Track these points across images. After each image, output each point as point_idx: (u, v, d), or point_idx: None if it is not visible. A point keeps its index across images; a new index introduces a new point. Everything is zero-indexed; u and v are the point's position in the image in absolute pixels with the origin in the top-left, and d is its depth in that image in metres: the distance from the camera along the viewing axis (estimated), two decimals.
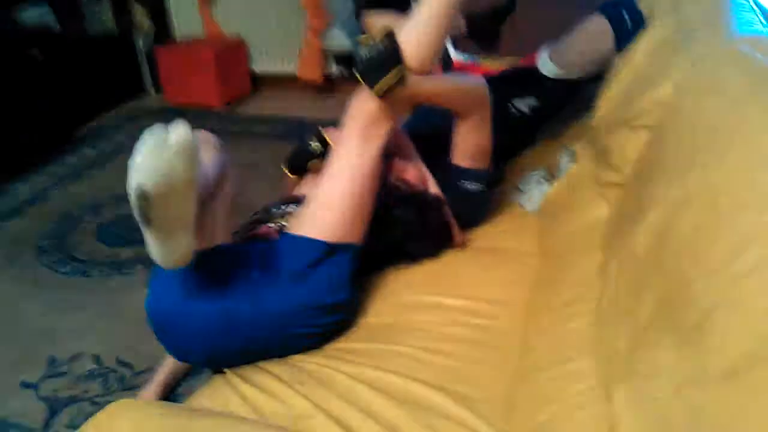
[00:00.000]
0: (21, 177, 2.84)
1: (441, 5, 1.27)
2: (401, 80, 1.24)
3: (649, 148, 1.15)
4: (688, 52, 1.21)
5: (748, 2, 1.49)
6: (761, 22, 1.35)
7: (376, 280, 1.44)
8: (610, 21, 1.68)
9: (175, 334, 1.19)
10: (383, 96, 1.25)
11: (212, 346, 1.19)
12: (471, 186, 1.54)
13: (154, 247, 1.01)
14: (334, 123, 1.45)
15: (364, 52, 1.24)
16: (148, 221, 0.96)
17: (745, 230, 0.62)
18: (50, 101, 3.12)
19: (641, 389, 0.73)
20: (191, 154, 0.98)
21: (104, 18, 3.78)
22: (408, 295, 1.38)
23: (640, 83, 1.36)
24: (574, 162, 1.62)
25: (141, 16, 3.92)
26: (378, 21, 2.01)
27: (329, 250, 1.22)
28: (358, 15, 2.05)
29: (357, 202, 1.27)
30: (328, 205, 1.26)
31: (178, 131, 0.96)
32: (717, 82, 0.98)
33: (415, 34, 1.27)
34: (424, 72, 1.30)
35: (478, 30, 2.25)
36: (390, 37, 1.25)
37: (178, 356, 1.34)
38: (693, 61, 1.13)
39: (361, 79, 1.25)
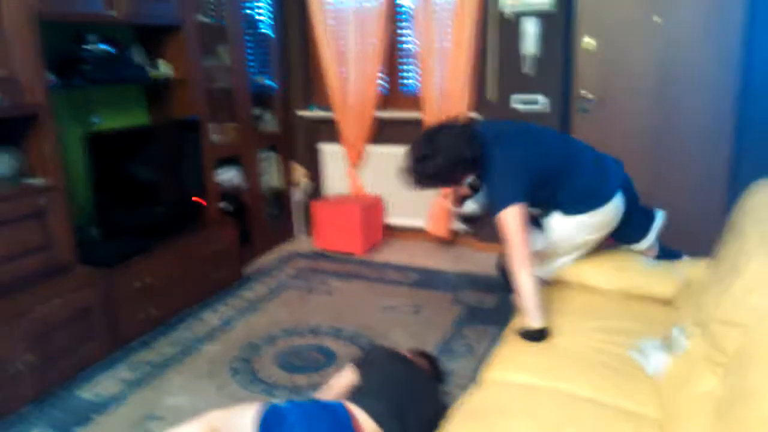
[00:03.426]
0: (210, 307, 3.39)
1: None
2: None
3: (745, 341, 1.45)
4: None
5: None
6: None
7: None
8: None
9: None
10: None
11: None
12: None
13: None
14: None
15: None
16: None
17: None
18: (230, 243, 3.77)
19: None
20: None
21: (272, 176, 4.54)
22: None
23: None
24: (686, 338, 1.90)
25: (300, 175, 4.68)
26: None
27: None
28: None
29: None
30: None
31: None
32: None
33: None
34: None
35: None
36: None
37: None
38: None
39: None
